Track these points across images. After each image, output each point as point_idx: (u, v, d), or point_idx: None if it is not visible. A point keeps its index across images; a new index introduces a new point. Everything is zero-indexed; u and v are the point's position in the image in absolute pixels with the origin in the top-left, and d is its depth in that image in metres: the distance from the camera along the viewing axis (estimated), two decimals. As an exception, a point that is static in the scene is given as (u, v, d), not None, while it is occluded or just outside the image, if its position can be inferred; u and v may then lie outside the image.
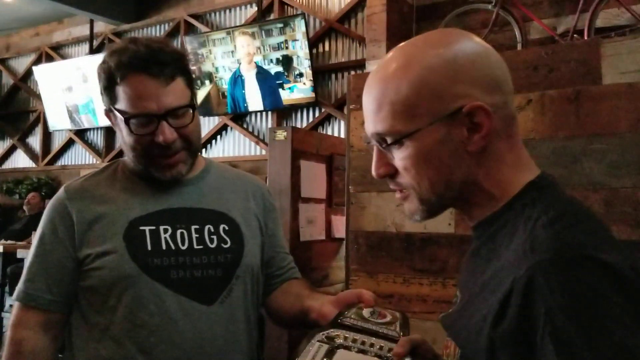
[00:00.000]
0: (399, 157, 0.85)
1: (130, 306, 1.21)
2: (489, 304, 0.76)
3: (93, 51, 7.15)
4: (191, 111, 1.27)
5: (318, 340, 0.97)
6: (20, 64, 8.32)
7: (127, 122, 1.21)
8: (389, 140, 0.85)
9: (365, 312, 1.07)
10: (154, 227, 1.26)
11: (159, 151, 1.24)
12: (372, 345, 0.97)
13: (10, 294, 5.93)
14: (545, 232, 0.74)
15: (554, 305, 0.67)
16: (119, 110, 1.23)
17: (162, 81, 1.20)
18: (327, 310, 1.16)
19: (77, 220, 1.26)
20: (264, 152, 5.63)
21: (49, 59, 7.77)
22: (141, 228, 1.26)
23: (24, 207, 6.79)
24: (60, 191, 1.33)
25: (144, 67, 1.19)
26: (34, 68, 7.59)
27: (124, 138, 1.26)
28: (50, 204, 1.33)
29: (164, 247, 1.25)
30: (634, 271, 0.71)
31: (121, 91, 1.21)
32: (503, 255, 0.80)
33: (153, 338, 1.20)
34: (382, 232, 2.04)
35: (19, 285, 1.28)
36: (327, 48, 5.51)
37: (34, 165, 7.97)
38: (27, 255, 1.33)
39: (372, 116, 0.86)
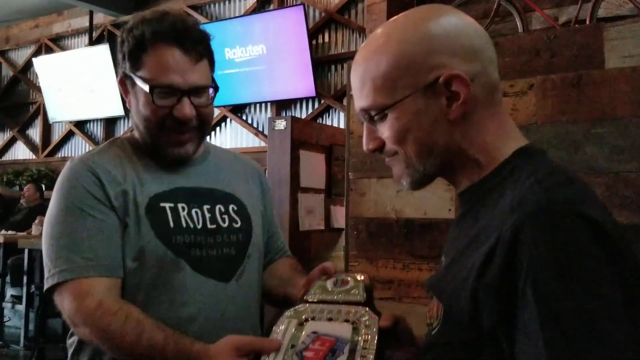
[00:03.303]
0: (384, 129, 0.89)
1: (154, 283, 1.19)
2: (473, 258, 0.77)
3: (92, 42, 7.13)
4: (211, 93, 1.26)
5: (287, 317, 1.04)
6: (19, 56, 8.30)
7: (151, 91, 1.19)
8: (373, 114, 0.89)
9: (329, 284, 1.12)
10: (172, 205, 1.24)
11: (173, 126, 1.22)
12: (339, 312, 1.03)
13: (12, 284, 5.93)
14: (533, 189, 0.76)
15: (536, 255, 0.69)
16: (141, 78, 1.20)
17: (192, 58, 1.20)
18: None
19: (107, 185, 1.20)
20: (263, 143, 5.62)
21: (49, 50, 7.75)
22: (162, 205, 1.23)
23: (21, 200, 6.79)
24: (75, 163, 1.24)
25: (179, 41, 1.19)
26: (34, 60, 7.58)
27: (139, 107, 1.23)
28: (68, 174, 1.22)
29: (184, 225, 1.24)
30: (616, 230, 0.73)
31: (149, 59, 1.19)
32: (489, 215, 0.81)
33: (172, 314, 1.18)
34: (382, 219, 2.03)
35: (59, 267, 1.15)
36: (326, 39, 5.49)
37: (34, 157, 7.96)
38: (47, 237, 1.19)
39: (357, 93, 0.91)
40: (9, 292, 6.06)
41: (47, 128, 7.87)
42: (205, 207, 1.28)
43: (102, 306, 1.11)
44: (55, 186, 1.25)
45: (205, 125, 1.28)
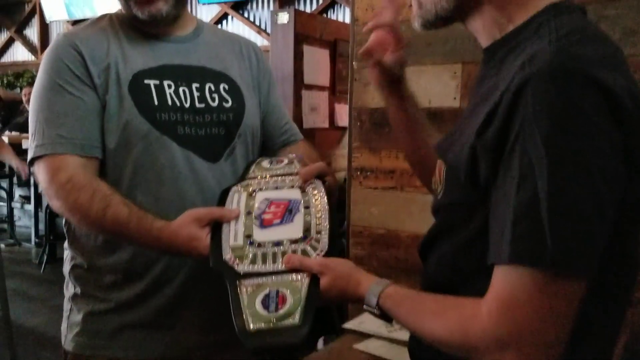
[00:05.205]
0: None
1: (141, 160, 1.19)
2: (479, 117, 0.75)
3: None
4: None
5: (236, 191, 1.09)
6: (11, -49, 7.97)
7: None
8: None
9: (265, 163, 1.20)
10: (158, 82, 1.22)
11: None
12: (283, 181, 1.11)
13: (18, 185, 6.01)
14: (549, 47, 0.71)
15: (531, 115, 0.66)
16: None
17: None
18: None
19: (90, 62, 1.18)
20: (266, 42, 5.48)
21: (41, -56, 7.43)
22: (146, 82, 1.21)
23: (24, 102, 6.74)
24: (59, 38, 1.22)
25: None
26: (26, -46, 7.29)
27: None
28: (52, 50, 1.21)
29: (169, 102, 1.21)
30: (633, 99, 0.68)
31: None
32: (502, 74, 0.77)
33: (164, 190, 1.19)
34: (386, 108, 2.00)
35: (37, 141, 1.16)
36: None
37: (33, 58, 7.84)
38: (30, 111, 1.20)
39: None
40: (17, 192, 6.16)
41: (44, 28, 7.69)
42: (194, 85, 1.25)
43: (72, 181, 1.13)
44: (41, 61, 1.24)
45: None
